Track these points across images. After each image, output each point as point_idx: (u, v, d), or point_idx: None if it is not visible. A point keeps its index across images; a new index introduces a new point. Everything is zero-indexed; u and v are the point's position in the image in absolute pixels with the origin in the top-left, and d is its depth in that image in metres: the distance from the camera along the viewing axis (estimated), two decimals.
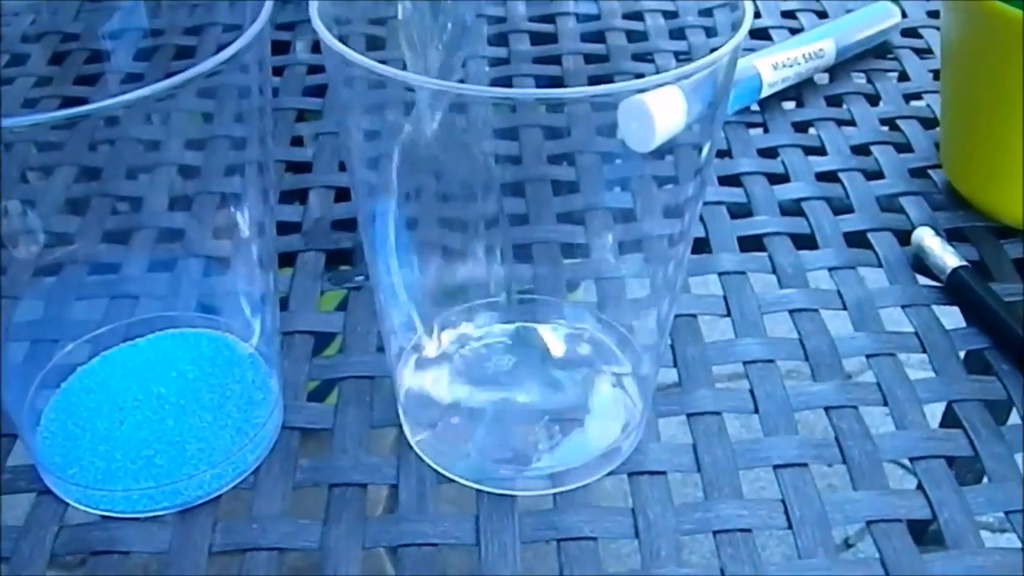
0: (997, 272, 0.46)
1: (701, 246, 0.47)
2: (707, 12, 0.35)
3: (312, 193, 0.50)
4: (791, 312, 0.44)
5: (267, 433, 0.38)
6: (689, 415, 0.39)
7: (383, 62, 0.28)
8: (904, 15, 0.64)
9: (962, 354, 0.42)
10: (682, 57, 0.57)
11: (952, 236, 0.48)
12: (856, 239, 0.48)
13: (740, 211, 0.50)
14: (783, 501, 0.37)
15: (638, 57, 0.57)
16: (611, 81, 0.27)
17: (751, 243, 0.48)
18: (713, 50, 0.29)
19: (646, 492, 0.37)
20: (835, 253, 0.47)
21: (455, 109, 0.32)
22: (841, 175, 0.52)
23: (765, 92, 0.56)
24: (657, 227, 0.35)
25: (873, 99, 0.58)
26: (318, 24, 0.30)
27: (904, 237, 0.48)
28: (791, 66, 0.57)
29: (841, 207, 0.50)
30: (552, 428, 0.38)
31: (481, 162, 0.35)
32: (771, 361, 0.42)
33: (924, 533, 0.37)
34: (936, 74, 0.59)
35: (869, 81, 0.59)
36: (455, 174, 0.36)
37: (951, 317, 0.44)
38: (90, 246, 0.37)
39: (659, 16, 0.60)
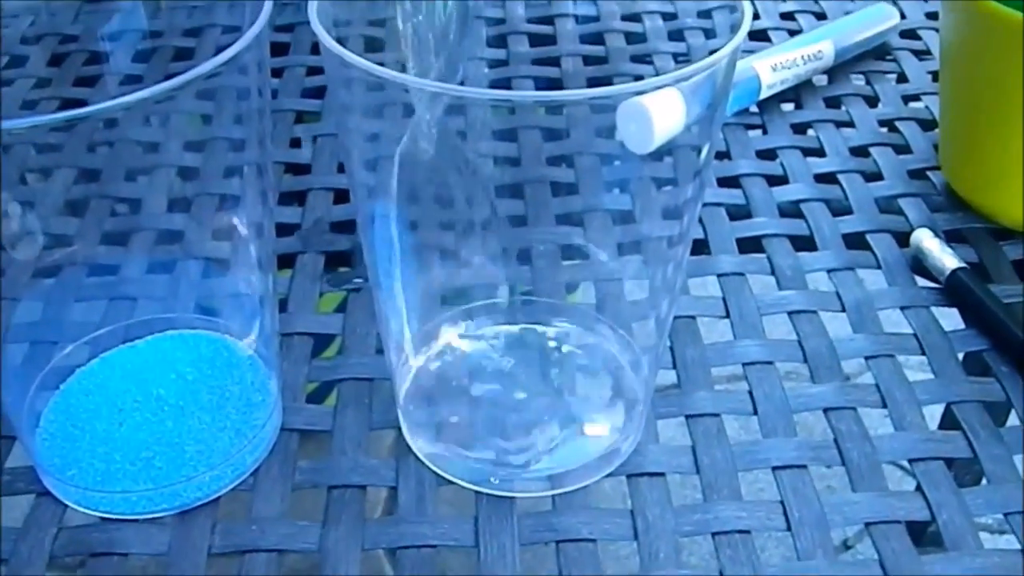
0: (996, 274, 0.46)
1: (700, 247, 0.47)
2: (706, 14, 0.35)
3: (311, 195, 0.50)
4: (790, 314, 0.44)
5: (266, 435, 0.38)
6: (688, 417, 0.39)
7: (382, 64, 0.28)
8: (903, 17, 0.64)
9: (961, 356, 0.42)
10: (681, 59, 0.57)
11: (951, 238, 0.48)
12: (855, 241, 0.48)
13: (739, 213, 0.50)
14: (782, 503, 0.37)
15: (637, 59, 0.57)
16: (610, 83, 0.27)
17: (750, 245, 0.48)
18: (712, 52, 0.29)
19: (645, 494, 0.37)
20: (834, 255, 0.47)
21: (454, 111, 0.32)
22: (840, 177, 0.52)
23: (764, 94, 0.56)
24: (656, 229, 0.36)
25: (872, 101, 0.58)
26: (317, 26, 0.30)
27: (903, 239, 0.48)
28: (790, 68, 0.57)
29: (840, 209, 0.50)
30: (551, 430, 0.38)
31: (480, 164, 0.35)
32: (770, 363, 0.42)
33: (923, 535, 0.37)
34: (935, 76, 0.59)
35: (868, 83, 0.59)
36: (454, 176, 0.36)
37: (950, 319, 0.44)
38: (89, 248, 0.37)
39: (658, 18, 0.60)
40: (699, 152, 0.33)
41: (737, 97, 0.56)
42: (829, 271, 0.46)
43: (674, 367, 0.41)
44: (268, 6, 0.32)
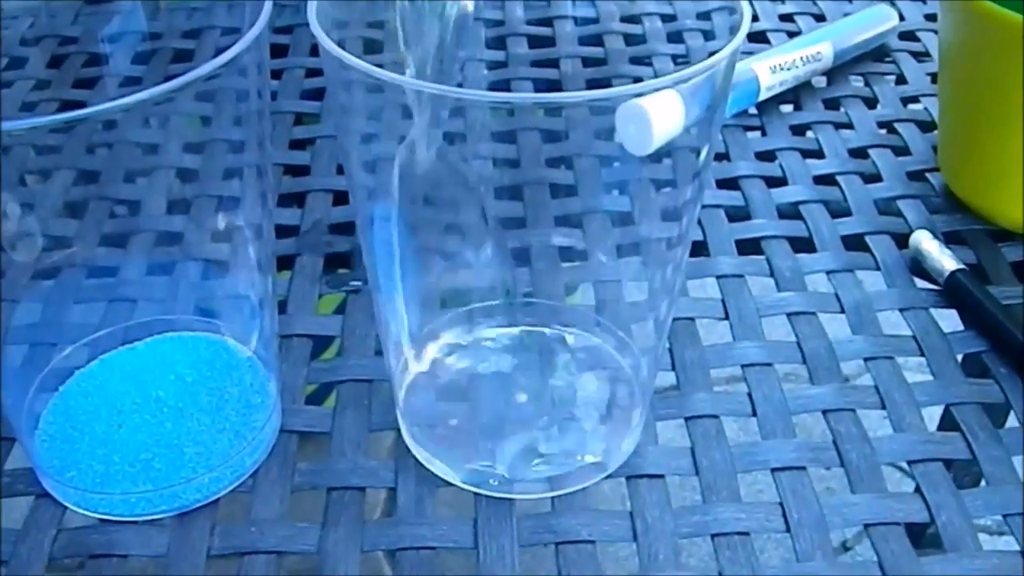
0: (995, 275, 0.46)
1: (699, 249, 0.48)
2: (705, 15, 0.35)
3: (310, 196, 0.50)
4: (789, 315, 0.44)
5: (265, 436, 0.38)
6: (687, 418, 0.39)
7: (381, 66, 0.28)
8: (902, 18, 0.64)
9: (960, 357, 0.42)
10: (680, 60, 0.57)
11: (950, 239, 0.48)
12: (854, 242, 0.48)
13: (738, 214, 0.50)
14: (781, 504, 0.37)
15: (636, 60, 0.57)
16: (609, 84, 0.27)
17: (749, 246, 0.48)
18: (711, 53, 0.29)
19: (644, 495, 0.37)
20: (833, 256, 0.47)
21: (453, 113, 0.32)
22: (839, 178, 0.52)
23: (763, 95, 0.56)
24: (655, 230, 0.36)
25: (871, 102, 0.58)
26: (316, 28, 0.30)
27: (902, 240, 0.48)
28: (789, 69, 0.57)
29: (839, 210, 0.50)
30: (550, 431, 0.38)
31: (479, 166, 0.35)
32: (769, 364, 0.42)
33: (922, 536, 0.37)
34: (934, 77, 0.59)
35: (867, 84, 0.59)
36: (453, 178, 0.36)
37: (949, 320, 0.44)
38: (88, 249, 0.37)
39: (657, 19, 0.60)
40: (698, 154, 0.33)
41: (736, 99, 0.56)
42: (828, 273, 0.46)
43: (673, 368, 0.41)
44: (268, 8, 0.32)
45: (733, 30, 0.31)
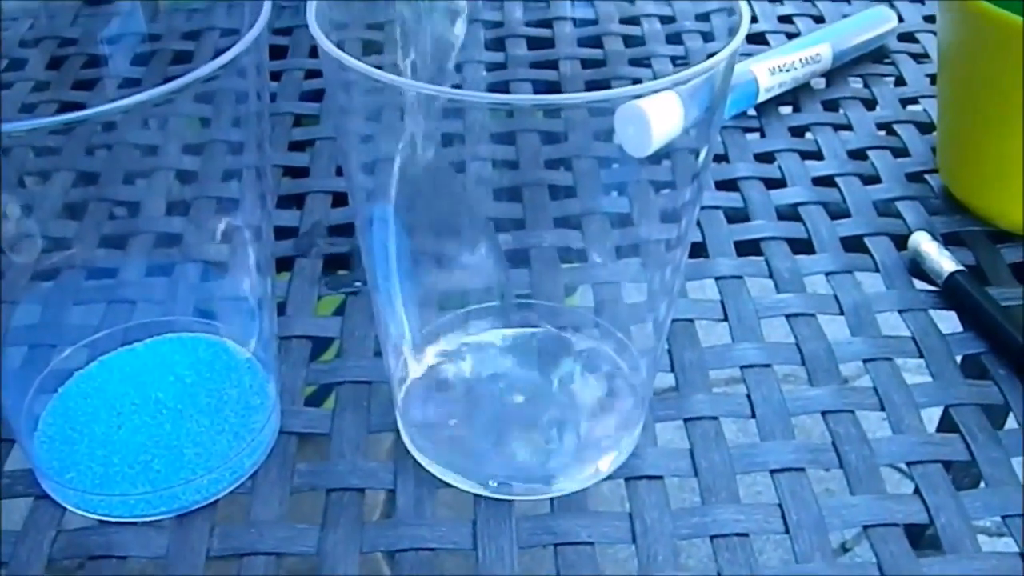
0: (994, 276, 0.46)
1: (698, 250, 0.48)
2: (704, 17, 0.35)
3: (309, 198, 0.50)
4: (788, 316, 0.44)
5: (264, 438, 0.38)
6: (686, 420, 0.39)
7: (380, 67, 0.28)
8: (901, 20, 0.64)
9: (959, 358, 0.42)
10: (679, 62, 0.57)
11: (949, 240, 0.48)
12: (853, 244, 0.48)
13: (737, 216, 0.50)
14: (780, 506, 0.37)
15: (635, 62, 0.57)
16: (608, 85, 0.27)
17: (748, 247, 0.48)
18: (710, 55, 0.29)
19: (643, 497, 0.37)
20: (832, 258, 0.47)
21: (452, 114, 0.32)
22: (838, 180, 0.52)
23: (762, 97, 0.56)
24: (654, 231, 0.36)
25: (870, 104, 0.58)
26: (315, 29, 0.30)
27: (901, 242, 0.48)
28: (788, 71, 0.57)
29: (838, 212, 0.50)
30: (549, 432, 0.38)
31: (478, 167, 0.35)
32: (768, 366, 0.42)
33: (921, 537, 0.37)
34: (933, 79, 0.59)
35: (866, 86, 0.60)
36: (452, 179, 0.36)
37: (948, 321, 0.44)
38: (88, 251, 0.37)
39: (656, 21, 0.60)
40: (697, 155, 0.33)
41: (735, 100, 0.56)
42: (827, 274, 0.46)
43: (672, 370, 0.41)
44: (267, 9, 0.32)
45: (732, 32, 0.31)
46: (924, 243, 0.46)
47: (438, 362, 0.40)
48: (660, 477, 0.37)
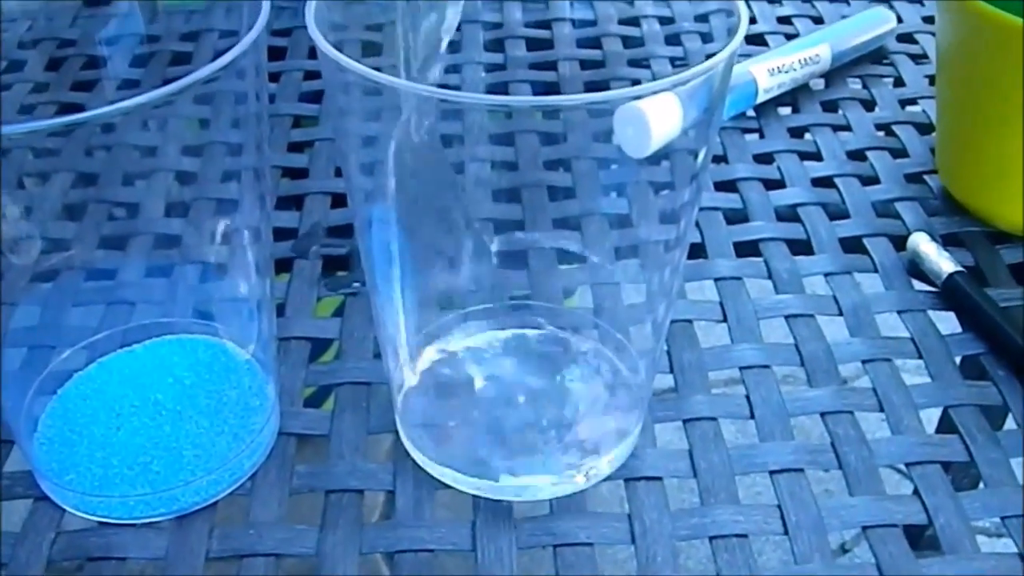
0: (993, 277, 0.46)
1: (697, 251, 0.48)
2: (703, 18, 0.35)
3: (308, 199, 0.50)
4: (787, 317, 0.44)
5: (264, 439, 0.38)
6: (685, 421, 0.39)
7: (379, 68, 0.28)
8: (900, 20, 0.64)
9: (958, 359, 0.42)
10: (678, 63, 0.57)
11: (948, 241, 0.48)
12: (852, 244, 0.48)
13: (736, 217, 0.50)
14: (779, 506, 0.37)
15: (634, 63, 0.57)
16: (607, 86, 0.27)
17: (747, 248, 0.48)
18: (709, 56, 0.29)
19: (642, 498, 0.37)
20: (831, 258, 0.47)
21: (451, 116, 0.32)
22: (837, 180, 0.52)
23: (761, 98, 0.56)
24: (653, 233, 0.36)
25: (869, 104, 0.58)
26: (314, 30, 0.30)
27: (900, 242, 0.48)
28: (787, 72, 0.57)
29: (837, 212, 0.50)
30: (548, 434, 0.38)
31: (477, 168, 0.35)
32: (767, 367, 0.42)
33: (920, 538, 0.37)
34: (932, 79, 0.59)
35: (865, 86, 0.60)
36: (451, 180, 0.36)
37: (947, 322, 0.44)
38: (87, 252, 0.37)
39: (655, 22, 0.60)
40: (696, 156, 0.33)
41: (734, 101, 0.56)
42: (826, 275, 0.46)
43: (671, 371, 0.41)
44: (265, 10, 0.32)
45: (731, 32, 0.31)
46: (923, 244, 0.46)
47: (437, 363, 0.40)
48: (659, 478, 0.37)
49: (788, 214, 0.50)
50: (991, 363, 0.42)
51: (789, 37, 0.62)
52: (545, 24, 0.61)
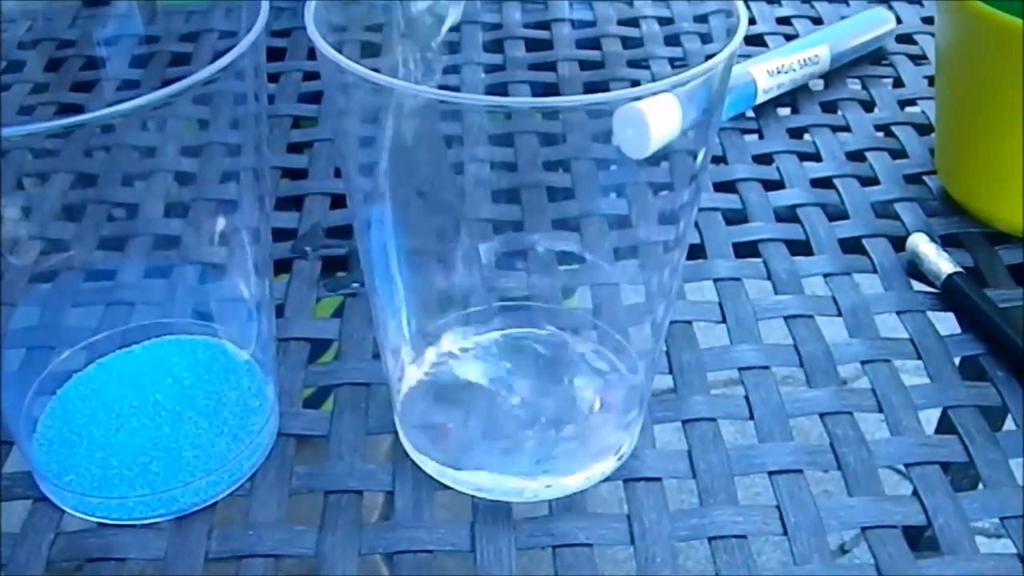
0: (992, 278, 0.46)
1: (696, 252, 0.48)
2: (702, 18, 0.35)
3: (308, 200, 0.50)
4: (786, 318, 0.44)
5: (263, 440, 0.38)
6: (684, 421, 0.39)
7: (378, 69, 0.28)
8: (899, 21, 0.64)
9: (957, 360, 0.42)
10: (677, 63, 0.57)
11: (947, 242, 0.48)
12: (851, 245, 0.48)
13: (735, 217, 0.50)
14: (778, 507, 0.37)
15: (633, 64, 0.57)
16: (606, 87, 0.27)
17: (746, 249, 0.48)
18: (708, 57, 0.29)
19: (641, 498, 0.37)
20: (830, 259, 0.47)
21: (450, 116, 0.32)
22: (836, 181, 0.52)
23: (760, 98, 0.57)
24: (652, 233, 0.36)
25: (868, 105, 0.58)
26: (313, 31, 0.30)
27: (899, 243, 0.48)
28: (786, 72, 0.57)
29: (836, 213, 0.50)
30: (548, 435, 0.38)
31: (476, 169, 0.35)
32: (766, 367, 0.42)
33: (919, 539, 0.37)
34: (931, 80, 0.59)
35: (864, 87, 0.60)
36: (450, 181, 0.36)
37: (946, 323, 0.44)
38: (86, 253, 0.37)
39: (654, 23, 0.60)
40: (695, 157, 0.33)
41: (733, 102, 0.56)
42: (825, 276, 0.46)
43: (670, 372, 0.41)
44: (265, 11, 0.32)
45: (730, 33, 0.31)
46: (922, 244, 0.46)
47: (437, 364, 0.40)
48: (658, 479, 0.37)
49: (787, 215, 0.50)
50: (990, 364, 0.42)
51: (788, 38, 0.62)
52: (544, 25, 0.61)
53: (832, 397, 0.40)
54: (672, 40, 0.57)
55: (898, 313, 0.44)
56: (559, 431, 0.38)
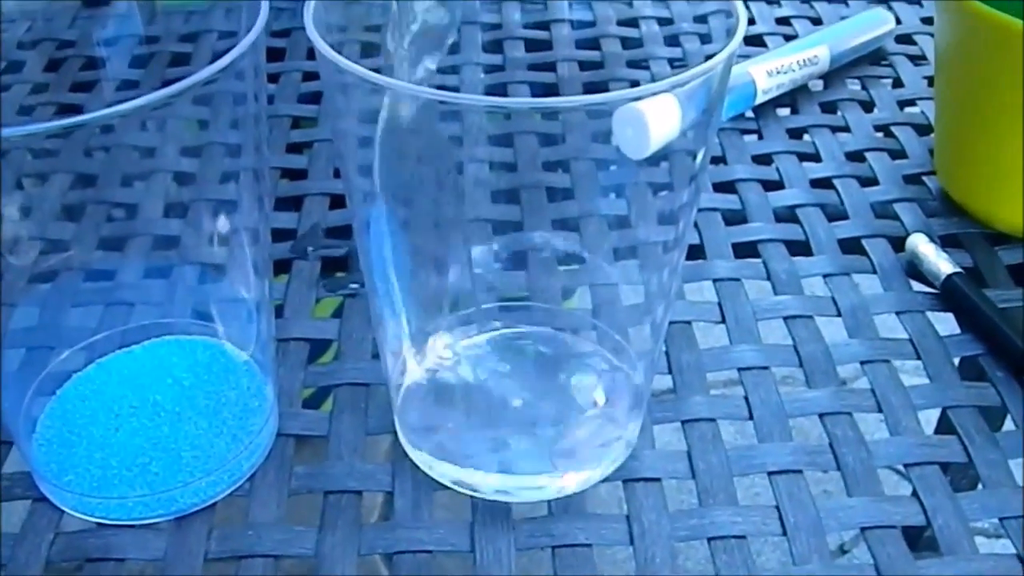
0: (991, 278, 0.46)
1: (696, 253, 0.48)
2: (702, 19, 0.35)
3: (307, 200, 0.50)
4: (785, 319, 0.44)
5: (262, 440, 0.38)
6: (684, 422, 0.39)
7: (377, 70, 0.28)
8: (898, 21, 0.64)
9: (956, 360, 0.42)
10: (677, 64, 0.57)
11: (946, 242, 0.48)
12: (850, 246, 0.48)
13: (735, 218, 0.50)
14: (778, 508, 0.37)
15: (633, 64, 0.57)
16: (606, 88, 0.27)
17: (745, 250, 0.48)
18: (708, 57, 0.29)
19: (641, 499, 0.37)
20: (829, 260, 0.47)
21: (450, 117, 0.32)
22: (835, 182, 0.52)
23: (760, 99, 0.57)
24: (652, 234, 0.36)
25: (867, 106, 0.58)
26: (312, 31, 0.30)
27: (898, 244, 0.48)
28: (785, 73, 0.57)
29: (835, 214, 0.50)
30: (547, 435, 0.38)
31: (476, 169, 0.35)
32: (766, 368, 0.42)
33: (919, 539, 0.37)
34: (930, 80, 0.59)
35: (863, 88, 0.60)
36: (449, 181, 0.36)
37: (945, 323, 0.44)
38: (86, 253, 0.37)
39: (653, 23, 0.60)
40: (695, 157, 0.33)
41: (733, 102, 0.56)
42: (824, 276, 0.46)
43: (670, 372, 0.41)
44: (264, 11, 0.32)
45: (730, 34, 0.31)
46: (922, 245, 0.46)
47: (436, 364, 0.40)
48: (658, 479, 0.37)
49: (787, 215, 0.50)
50: (990, 364, 0.42)
51: (788, 38, 0.62)
52: (544, 25, 0.61)
53: (831, 397, 0.40)
54: (671, 40, 0.57)
55: (897, 313, 0.44)
56: (558, 431, 0.38)
